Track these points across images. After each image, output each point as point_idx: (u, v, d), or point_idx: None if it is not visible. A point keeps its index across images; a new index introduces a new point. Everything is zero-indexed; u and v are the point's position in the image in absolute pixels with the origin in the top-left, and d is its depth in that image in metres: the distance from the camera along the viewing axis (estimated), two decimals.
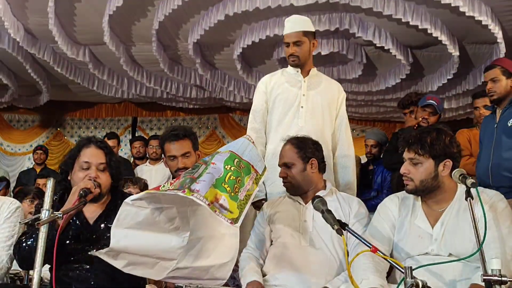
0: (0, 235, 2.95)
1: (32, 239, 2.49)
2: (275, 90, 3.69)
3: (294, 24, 3.61)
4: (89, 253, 2.46)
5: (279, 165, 3.11)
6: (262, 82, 3.81)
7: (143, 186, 5.04)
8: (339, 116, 3.75)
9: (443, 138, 2.52)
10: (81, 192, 2.46)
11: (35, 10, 6.16)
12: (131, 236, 2.30)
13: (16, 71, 8.54)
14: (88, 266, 2.61)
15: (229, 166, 2.54)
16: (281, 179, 3.10)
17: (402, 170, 2.59)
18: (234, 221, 2.29)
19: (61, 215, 2.17)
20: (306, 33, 3.60)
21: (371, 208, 3.10)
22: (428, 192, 2.57)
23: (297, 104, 3.63)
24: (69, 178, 2.76)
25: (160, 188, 2.33)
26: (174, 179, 2.47)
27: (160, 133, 9.72)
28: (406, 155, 2.58)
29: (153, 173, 6.52)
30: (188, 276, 2.44)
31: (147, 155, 6.85)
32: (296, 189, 3.05)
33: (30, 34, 6.93)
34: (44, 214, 2.11)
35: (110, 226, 2.65)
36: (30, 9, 6.15)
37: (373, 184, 5.42)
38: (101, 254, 2.25)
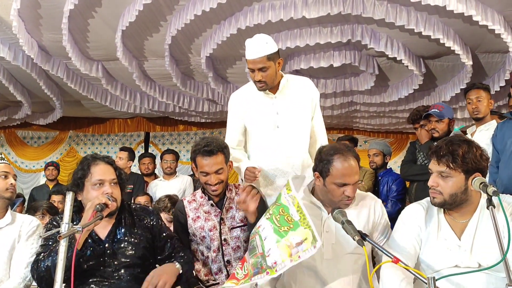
0: (24, 253, 2.97)
1: (50, 258, 2.48)
2: (249, 111, 3.53)
3: (257, 49, 3.30)
4: None
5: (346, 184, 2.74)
6: (235, 101, 3.62)
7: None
8: (314, 117, 3.59)
9: (474, 151, 2.40)
10: (97, 206, 2.45)
11: (49, 27, 6.19)
12: None
13: (30, 88, 8.60)
14: (107, 282, 2.62)
15: (268, 214, 2.68)
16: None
17: (431, 183, 2.47)
18: (314, 242, 2.40)
19: (80, 229, 2.16)
20: (270, 57, 3.32)
21: None
22: (457, 205, 2.47)
23: (273, 123, 3.47)
24: (79, 198, 2.74)
25: (239, 280, 2.51)
26: (241, 263, 2.62)
27: (172, 147, 9.75)
28: (436, 167, 2.46)
29: (168, 188, 6.51)
30: None
31: (162, 170, 6.85)
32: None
33: (44, 51, 6.97)
34: (64, 228, 2.10)
35: (122, 240, 2.69)
36: (44, 26, 6.18)
37: (380, 195, 5.40)
38: None
